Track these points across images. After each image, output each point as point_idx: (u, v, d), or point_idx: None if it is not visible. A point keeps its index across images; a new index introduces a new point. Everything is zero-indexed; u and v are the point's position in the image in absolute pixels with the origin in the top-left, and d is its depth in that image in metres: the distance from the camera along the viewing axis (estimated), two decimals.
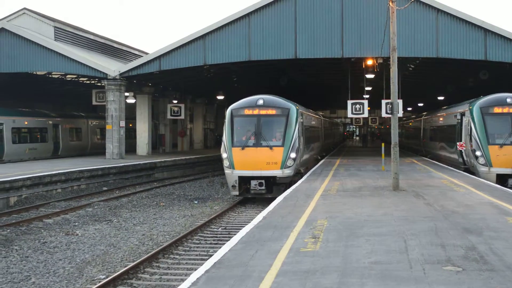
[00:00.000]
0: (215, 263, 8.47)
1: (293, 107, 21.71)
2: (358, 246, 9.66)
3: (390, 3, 17.48)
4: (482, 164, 22.19)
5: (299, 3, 28.61)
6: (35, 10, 39.76)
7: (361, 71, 32.58)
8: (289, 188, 18.37)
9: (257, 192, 20.39)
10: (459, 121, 26.25)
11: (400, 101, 21.18)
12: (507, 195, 17.15)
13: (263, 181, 20.11)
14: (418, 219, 12.88)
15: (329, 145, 49.16)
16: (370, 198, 16.82)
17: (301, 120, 23.15)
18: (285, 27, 28.90)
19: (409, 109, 59.97)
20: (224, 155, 20.74)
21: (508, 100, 22.48)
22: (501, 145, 21.84)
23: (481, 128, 22.29)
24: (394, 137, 18.66)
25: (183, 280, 8.55)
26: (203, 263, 8.97)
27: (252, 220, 13.37)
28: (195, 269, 9.13)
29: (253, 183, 20.13)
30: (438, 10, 28.24)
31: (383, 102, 21.10)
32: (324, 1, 28.91)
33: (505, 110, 22.24)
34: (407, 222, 12.32)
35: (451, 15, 28.36)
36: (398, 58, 18.84)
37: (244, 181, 20.48)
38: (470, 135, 23.29)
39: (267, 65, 32.86)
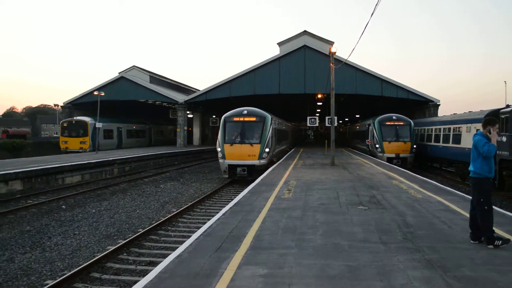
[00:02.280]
0: (234, 203, 12.23)
1: (268, 116, 24.92)
2: (312, 195, 13.58)
3: (331, 64, 25.19)
4: (379, 152, 31.04)
5: (282, 63, 41.72)
6: (139, 67, 55.67)
7: (315, 100, 43.24)
8: (264, 172, 21.08)
9: (241, 175, 23.48)
10: (367, 128, 36.92)
11: (335, 117, 27.56)
12: (392, 169, 23.21)
13: (245, 167, 23.37)
14: (344, 180, 17.62)
15: (297, 140, 65.20)
16: (318, 169, 22.53)
17: (274, 126, 26.69)
18: (274, 75, 41.75)
19: (340, 121, 77.28)
20: (219, 149, 23.93)
21: (394, 117, 31.95)
22: (389, 142, 31.24)
23: (379, 132, 31.38)
24: (332, 137, 27.02)
25: (218, 212, 11.68)
26: (228, 203, 12.78)
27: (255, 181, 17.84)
28: (224, 206, 12.56)
29: (239, 169, 23.44)
30: (356, 68, 40.56)
31: (326, 118, 28.23)
32: (295, 62, 41.39)
33: (392, 123, 31.51)
34: (338, 182, 16.89)
35: (363, 71, 40.84)
36: (335, 93, 26.54)
37: (232, 167, 23.59)
38: (373, 136, 32.87)
39: (263, 96, 42.77)
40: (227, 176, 24.02)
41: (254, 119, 24.48)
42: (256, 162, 23.42)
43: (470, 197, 12.90)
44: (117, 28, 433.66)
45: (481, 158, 7.73)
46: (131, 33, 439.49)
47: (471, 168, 7.95)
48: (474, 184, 7.88)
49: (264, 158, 23.64)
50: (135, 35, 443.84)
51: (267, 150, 23.72)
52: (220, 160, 23.93)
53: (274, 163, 26.54)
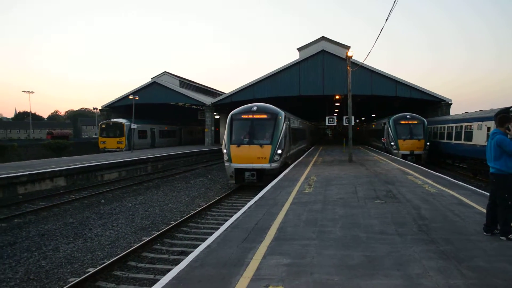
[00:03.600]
0: (259, 197, 12.27)
1: (281, 113, 20.71)
2: (331, 190, 13.50)
3: (348, 67, 24.63)
4: (394, 149, 30.36)
5: (301, 67, 41.46)
6: (171, 72, 55.73)
7: (333, 101, 43.04)
8: (277, 177, 17.48)
9: (250, 181, 19.28)
10: (383, 126, 36.14)
11: (353, 117, 26.99)
12: (407, 165, 22.64)
13: (254, 172, 19.14)
14: (361, 176, 17.38)
15: (316, 139, 63.91)
16: (337, 166, 22.16)
17: (288, 124, 22.05)
18: (294, 78, 41.64)
19: (357, 120, 76.74)
20: (224, 151, 19.73)
21: (408, 116, 31.26)
22: (404, 139, 30.44)
23: (394, 130, 30.72)
24: (349, 135, 26.37)
25: (243, 206, 11.78)
26: (253, 198, 12.69)
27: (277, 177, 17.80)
28: (249, 201, 12.48)
29: (247, 173, 19.21)
30: (372, 71, 40.04)
31: (344, 117, 27.36)
32: (314, 65, 41.20)
33: (406, 122, 30.83)
34: (356, 178, 16.67)
35: (378, 73, 40.27)
36: (352, 94, 26.11)
37: (239, 172, 19.37)
38: (389, 134, 32.26)
39: (285, 98, 42.23)
40: (233, 182, 19.86)
41: (264, 116, 20.40)
42: (266, 165, 19.20)
43: (482, 191, 12.77)
44: (150, 36, 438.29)
45: (505, 156, 7.46)
46: (163, 41, 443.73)
47: (493, 165, 7.61)
48: (498, 181, 7.50)
49: (276, 161, 19.42)
50: (166, 43, 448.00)
51: (279, 151, 19.46)
52: (226, 164, 19.81)
53: (289, 165, 22.64)
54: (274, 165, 19.32)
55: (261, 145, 19.42)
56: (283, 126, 20.31)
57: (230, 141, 19.74)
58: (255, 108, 20.55)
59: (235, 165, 19.33)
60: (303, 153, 33.29)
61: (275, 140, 19.59)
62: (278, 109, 21.08)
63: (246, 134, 19.91)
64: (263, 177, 19.07)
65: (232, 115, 20.56)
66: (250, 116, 20.36)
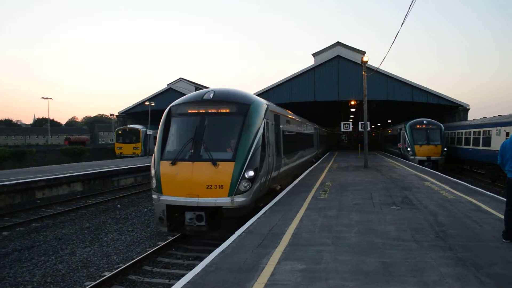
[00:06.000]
0: (274, 203, 12.20)
1: (256, 103, 12.04)
2: (346, 196, 13.40)
3: (363, 72, 24.57)
4: (411, 155, 30.10)
5: (316, 72, 40.64)
6: (187, 79, 57.16)
7: (348, 106, 42.30)
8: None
9: (194, 229, 10.72)
10: (399, 132, 36.52)
11: (368, 122, 26.63)
12: (424, 171, 22.36)
13: (202, 213, 10.52)
14: (377, 182, 17.23)
15: (330, 145, 60.48)
16: (352, 171, 22.01)
17: (274, 123, 13.92)
18: (309, 84, 40.76)
19: (373, 126, 76.11)
20: (152, 172, 11.26)
21: (424, 122, 30.90)
22: (421, 145, 30.22)
23: (410, 136, 30.44)
24: (365, 141, 26.12)
25: (259, 211, 11.11)
26: (268, 203, 12.35)
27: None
28: (265, 206, 11.85)
29: (188, 215, 10.61)
30: (388, 76, 39.14)
31: (359, 123, 26.99)
32: (329, 71, 40.40)
33: (423, 127, 30.49)
34: (371, 184, 16.55)
35: (393, 78, 39.40)
36: (367, 100, 25.98)
37: (176, 211, 10.91)
38: (405, 139, 32.08)
39: (300, 103, 41.29)
40: (165, 229, 11.07)
41: (227, 109, 11.53)
42: (224, 201, 10.43)
43: (501, 198, 12.54)
44: (166, 43, 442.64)
45: None
46: (179, 48, 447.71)
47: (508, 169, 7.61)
48: None
49: (243, 192, 10.58)
50: (182, 49, 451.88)
51: (251, 173, 10.73)
52: (153, 196, 11.09)
53: (278, 191, 14.69)
54: (240, 200, 10.51)
55: (214, 162, 10.59)
56: (261, 127, 11.66)
57: (161, 155, 11.27)
58: (211, 94, 11.78)
59: (168, 199, 10.71)
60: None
61: (242, 153, 10.80)
62: (254, 97, 12.62)
63: (190, 143, 11.04)
64: (220, 221, 10.58)
65: (171, 107, 12.18)
66: (202, 109, 11.57)
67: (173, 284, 5.97)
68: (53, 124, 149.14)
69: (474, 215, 9.99)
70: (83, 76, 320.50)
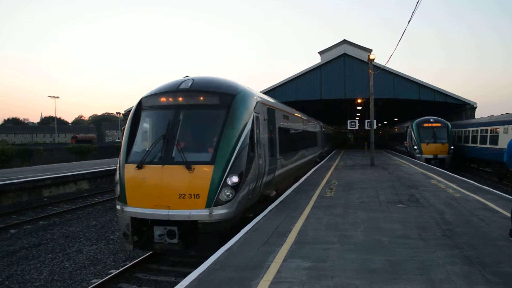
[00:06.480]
0: (280, 201, 12.16)
1: (244, 94, 10.12)
2: (352, 194, 13.37)
3: (370, 70, 24.41)
4: (417, 153, 29.90)
5: (323, 70, 40.33)
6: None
7: (355, 104, 42.34)
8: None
9: (165, 248, 8.76)
10: (405, 130, 36.08)
11: (375, 121, 26.37)
12: (430, 169, 22.19)
13: (174, 228, 8.54)
14: (384, 180, 17.18)
15: (337, 143, 60.96)
16: (359, 170, 22.03)
17: (265, 118, 11.71)
18: (316, 82, 40.46)
19: (379, 124, 75.45)
20: (116, 177, 9.37)
21: (431, 120, 30.72)
22: (427, 143, 29.99)
23: (417, 134, 30.25)
24: (371, 139, 26.03)
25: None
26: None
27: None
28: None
29: (158, 231, 8.68)
30: (394, 74, 38.99)
31: (366, 121, 26.71)
32: (335, 69, 40.07)
33: (430, 125, 30.23)
34: (378, 182, 16.51)
35: (400, 76, 39.26)
36: (374, 98, 25.97)
37: (142, 225, 9.00)
38: (411, 138, 31.94)
39: (306, 101, 41.38)
40: (130, 247, 8.96)
41: (206, 101, 9.64)
42: (201, 213, 8.50)
43: (508, 196, 12.47)
44: (172, 41, 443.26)
45: None
46: (185, 46, 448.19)
47: None
48: None
49: (226, 201, 8.67)
50: (189, 48, 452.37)
51: (235, 179, 8.83)
52: (117, 206, 9.17)
53: (273, 197, 12.30)
54: (221, 212, 8.58)
55: (189, 165, 8.65)
56: (251, 122, 9.88)
57: (126, 157, 9.40)
58: (189, 83, 9.92)
59: (133, 210, 8.80)
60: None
61: (224, 153, 8.86)
62: (241, 86, 10.52)
63: (160, 142, 9.12)
64: (196, 238, 8.62)
65: (141, 100, 10.18)
66: (177, 101, 9.65)
67: (179, 282, 5.98)
68: (60, 122, 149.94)
69: (481, 214, 9.94)
70: (90, 74, 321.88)
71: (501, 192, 14.19)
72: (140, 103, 10.11)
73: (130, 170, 9.03)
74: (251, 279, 5.82)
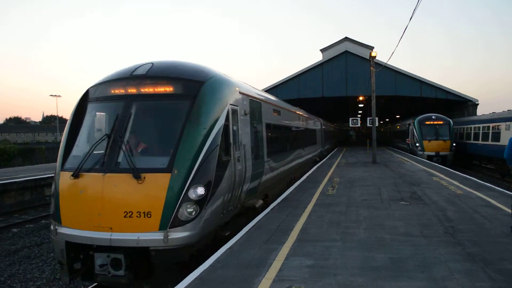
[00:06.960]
0: (282, 199, 12.18)
1: (215, 80, 7.94)
2: (354, 192, 13.38)
3: (372, 68, 24.35)
4: (420, 150, 29.92)
5: (324, 68, 39.99)
6: None
7: (357, 102, 42.78)
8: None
9: (109, 281, 6.54)
10: (407, 127, 35.82)
11: (377, 118, 26.33)
12: (433, 166, 22.18)
13: (120, 256, 6.34)
14: (386, 177, 17.16)
15: (339, 141, 61.02)
16: (361, 167, 21.98)
17: (247, 113, 9.40)
18: (317, 80, 39.95)
19: (381, 122, 77.07)
20: (52, 188, 7.37)
21: (433, 117, 30.78)
22: (429, 140, 29.94)
23: (419, 131, 30.28)
24: (373, 136, 25.84)
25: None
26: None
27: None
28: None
29: (99, 260, 6.45)
30: (396, 71, 38.44)
31: (368, 118, 26.71)
32: (337, 66, 39.66)
33: (431, 122, 30.24)
34: (380, 179, 16.50)
35: (402, 73, 38.72)
36: (376, 95, 25.87)
37: (84, 250, 6.86)
38: (413, 135, 31.98)
39: (308, 99, 40.93)
40: (66, 278, 6.81)
41: (166, 88, 7.38)
42: (153, 237, 6.33)
43: (511, 193, 12.45)
44: (178, 38, 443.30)
45: None
46: (192, 43, 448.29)
47: None
48: None
49: (187, 221, 6.49)
50: (196, 45, 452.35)
51: (200, 191, 6.64)
52: (51, 226, 7.01)
53: (261, 206, 10.76)
54: (180, 235, 6.49)
55: (137, 173, 6.57)
56: (224, 116, 7.75)
57: (62, 162, 7.40)
58: (146, 67, 7.81)
59: (68, 232, 6.78)
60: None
61: (185, 157, 6.76)
62: (213, 72, 8.29)
63: (104, 143, 7.18)
64: (151, 268, 6.64)
65: (88, 90, 8.20)
66: (129, 90, 7.56)
67: (181, 280, 5.98)
68: (62, 121, 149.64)
69: (483, 211, 9.93)
70: (92, 73, 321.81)
71: (504, 189, 14.20)
72: (86, 94, 8.07)
73: (65, 180, 7.03)
74: (253, 277, 5.81)
